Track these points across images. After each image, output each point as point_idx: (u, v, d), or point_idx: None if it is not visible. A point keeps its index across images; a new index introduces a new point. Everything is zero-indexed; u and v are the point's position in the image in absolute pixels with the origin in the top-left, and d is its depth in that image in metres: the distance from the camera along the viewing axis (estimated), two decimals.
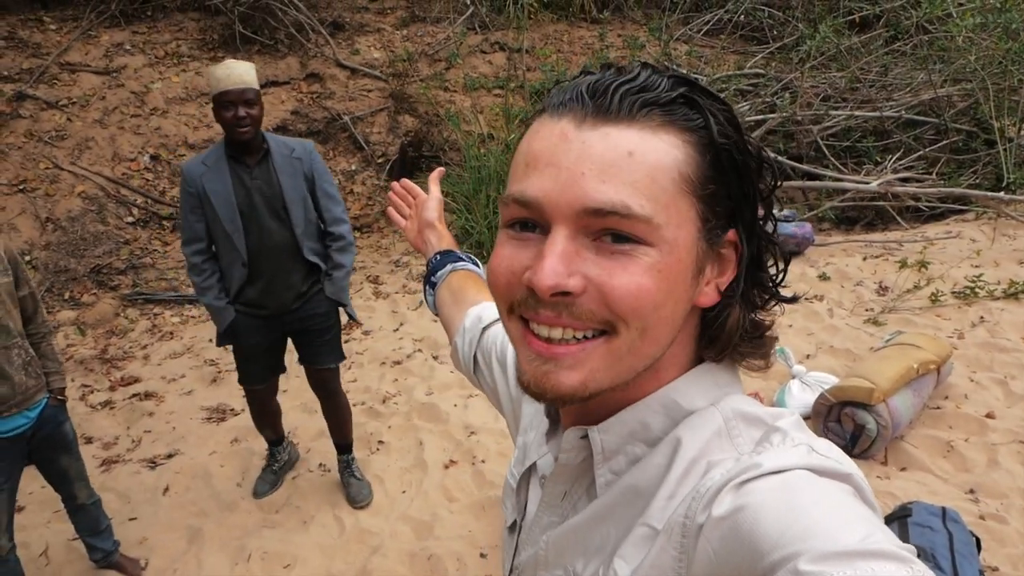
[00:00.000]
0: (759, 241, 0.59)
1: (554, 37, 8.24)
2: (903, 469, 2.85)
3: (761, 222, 0.59)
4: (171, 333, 4.83)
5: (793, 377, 3.30)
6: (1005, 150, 5.77)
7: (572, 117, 0.53)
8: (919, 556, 0.43)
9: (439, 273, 1.04)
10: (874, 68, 7.13)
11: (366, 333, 4.60)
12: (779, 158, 6.10)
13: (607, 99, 0.52)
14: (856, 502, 0.46)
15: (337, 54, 7.33)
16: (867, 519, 0.43)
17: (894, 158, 6.13)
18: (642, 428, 0.58)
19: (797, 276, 4.75)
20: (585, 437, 0.60)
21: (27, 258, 5.13)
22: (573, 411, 0.63)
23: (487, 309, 0.94)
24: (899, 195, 5.64)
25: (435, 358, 4.19)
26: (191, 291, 5.35)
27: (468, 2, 8.08)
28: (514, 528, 0.72)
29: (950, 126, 6.44)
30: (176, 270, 5.58)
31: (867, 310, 4.23)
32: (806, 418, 3.01)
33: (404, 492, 3.02)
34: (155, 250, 5.74)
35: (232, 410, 3.78)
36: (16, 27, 6.42)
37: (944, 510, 2.04)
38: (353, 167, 6.81)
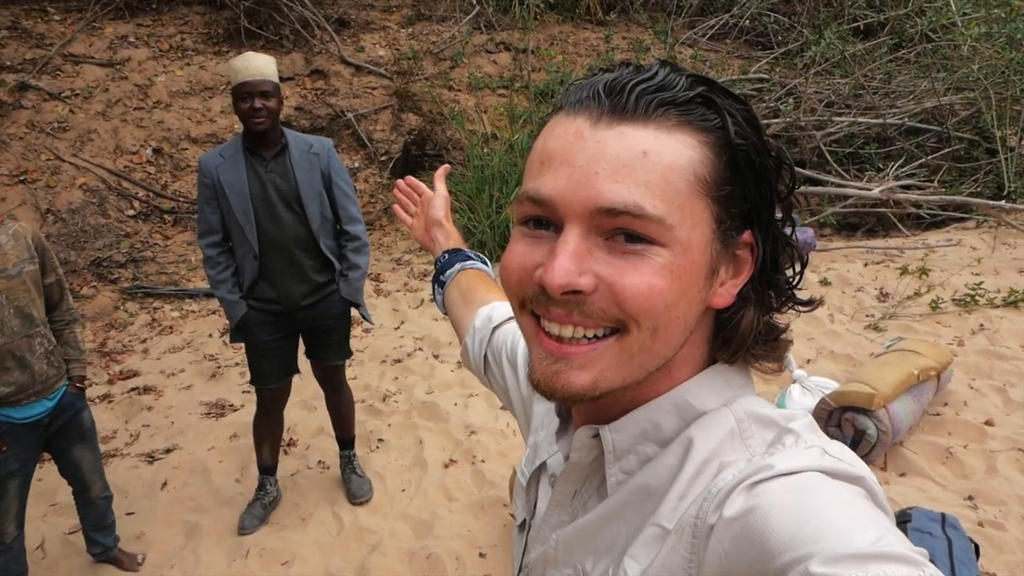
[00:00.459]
0: (775, 243, 0.58)
1: (559, 38, 8.24)
2: (902, 475, 2.86)
3: (779, 223, 0.58)
4: (171, 327, 4.82)
5: (794, 382, 3.30)
6: (1006, 159, 5.78)
7: (588, 115, 0.53)
8: None
9: (448, 272, 1.03)
10: (878, 75, 7.14)
11: (367, 331, 4.60)
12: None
13: (623, 98, 0.52)
14: (868, 505, 0.46)
15: (342, 51, 7.33)
16: (879, 522, 0.43)
17: (896, 165, 6.14)
18: (654, 428, 0.58)
19: None
20: (596, 436, 0.60)
21: None
22: (584, 410, 0.63)
23: (497, 309, 0.93)
24: (900, 202, 5.64)
25: (436, 357, 4.19)
26: (191, 285, 5.35)
27: (474, 1, 8.08)
28: (524, 527, 0.72)
29: (952, 134, 6.45)
30: (177, 264, 5.58)
31: (868, 316, 4.24)
32: None
33: (403, 490, 3.01)
34: (156, 244, 5.74)
35: (231, 406, 3.78)
36: (20, 17, 6.42)
37: (943, 516, 2.04)
38: (356, 164, 6.81)
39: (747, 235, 0.56)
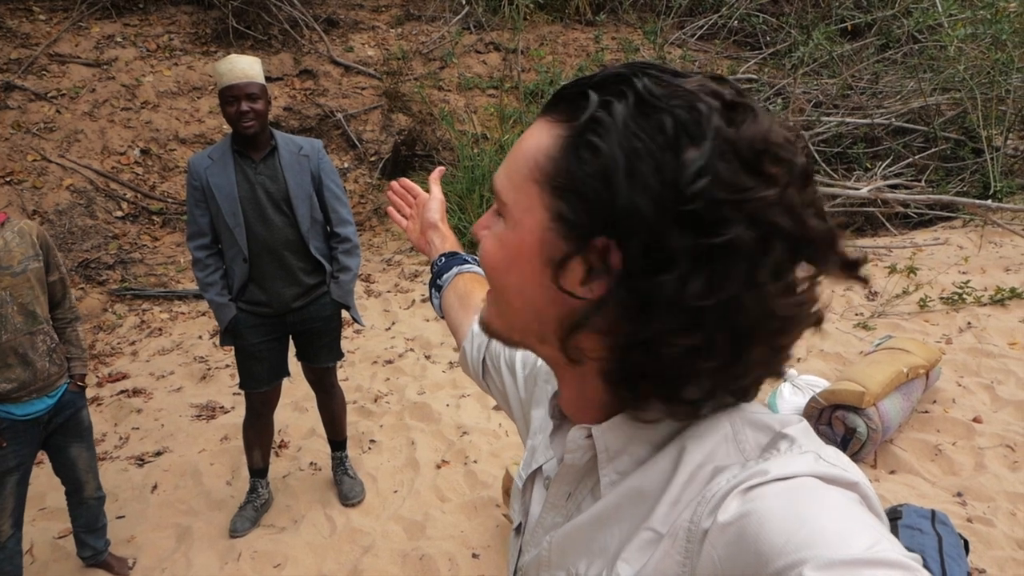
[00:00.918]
0: (662, 272, 0.48)
1: (549, 38, 8.25)
2: (892, 472, 2.88)
3: (680, 251, 0.48)
4: (160, 329, 4.79)
5: (784, 380, 3.32)
6: (992, 159, 5.84)
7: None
8: None
9: (445, 276, 1.02)
10: (865, 76, 7.20)
11: (358, 332, 4.58)
12: None
13: (552, 98, 0.57)
14: (862, 510, 0.46)
15: (331, 51, 7.30)
16: (873, 527, 0.43)
17: (884, 165, 6.18)
18: (647, 429, 0.58)
19: None
20: (589, 437, 0.60)
21: None
22: (578, 411, 0.63)
23: None
24: (888, 201, 5.68)
25: (427, 357, 4.18)
26: (180, 287, 5.32)
27: (463, 2, 8.08)
28: (520, 530, 0.72)
29: (939, 134, 6.51)
30: (166, 265, 5.54)
31: (857, 315, 4.27)
32: None
33: (396, 492, 3.01)
34: (144, 245, 5.70)
35: (222, 407, 3.76)
36: (4, 16, 6.35)
37: (933, 513, 2.06)
38: (346, 165, 6.79)
39: (600, 241, 0.51)
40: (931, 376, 3.21)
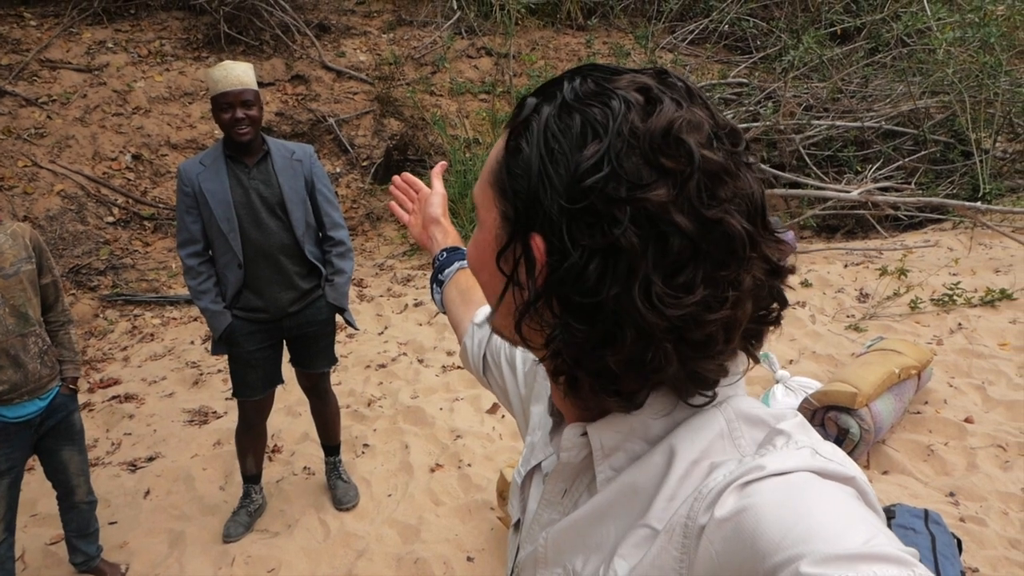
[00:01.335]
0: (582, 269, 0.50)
1: (541, 43, 8.27)
2: (885, 472, 2.89)
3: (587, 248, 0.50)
4: (152, 335, 4.77)
5: (777, 382, 3.33)
6: (981, 161, 5.89)
7: None
8: None
9: (446, 271, 1.03)
10: (855, 79, 7.25)
11: (351, 336, 4.57)
12: (762, 166, 6.17)
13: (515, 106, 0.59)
14: (859, 505, 0.46)
15: (323, 56, 7.30)
16: (870, 522, 0.43)
17: (874, 168, 6.23)
18: (642, 425, 0.58)
19: None
20: (585, 434, 0.60)
21: None
22: (575, 409, 0.64)
23: None
24: (879, 204, 5.72)
25: (420, 361, 4.17)
26: (172, 292, 5.29)
27: (455, 7, 8.09)
28: (518, 527, 0.72)
29: (928, 137, 6.56)
30: (157, 271, 5.51)
31: (848, 316, 4.29)
32: None
33: (390, 496, 3.00)
34: (135, 251, 5.67)
35: (214, 412, 3.74)
36: None
37: (926, 512, 2.07)
38: (338, 170, 6.78)
39: (534, 236, 0.53)
40: (923, 377, 3.23)
